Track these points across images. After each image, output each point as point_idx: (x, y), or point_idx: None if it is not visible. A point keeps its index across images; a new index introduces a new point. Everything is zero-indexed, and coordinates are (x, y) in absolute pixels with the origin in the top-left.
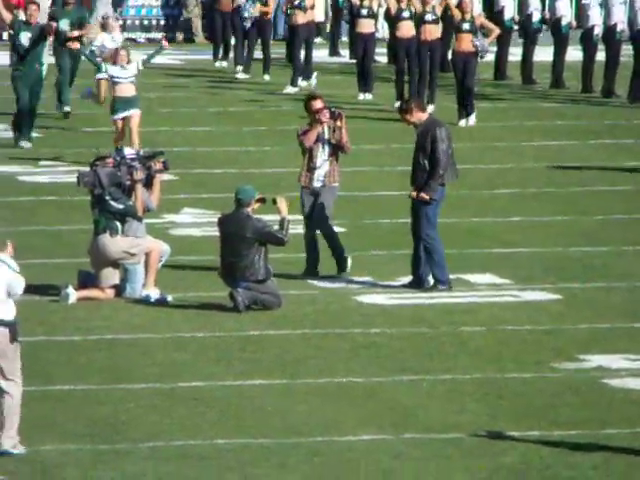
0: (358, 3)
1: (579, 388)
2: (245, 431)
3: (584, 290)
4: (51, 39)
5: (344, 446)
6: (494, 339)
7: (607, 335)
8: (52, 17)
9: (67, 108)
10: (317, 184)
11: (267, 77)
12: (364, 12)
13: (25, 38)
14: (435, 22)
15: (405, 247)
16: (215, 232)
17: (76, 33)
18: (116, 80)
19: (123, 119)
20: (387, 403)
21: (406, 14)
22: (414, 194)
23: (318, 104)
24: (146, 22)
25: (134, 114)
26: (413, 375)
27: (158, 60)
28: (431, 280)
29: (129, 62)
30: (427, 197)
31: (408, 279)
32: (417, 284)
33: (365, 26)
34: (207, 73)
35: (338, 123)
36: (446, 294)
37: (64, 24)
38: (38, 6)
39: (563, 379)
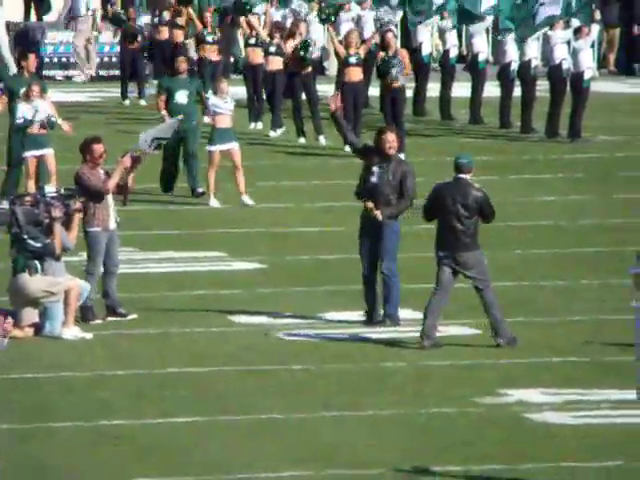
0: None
1: (500, 422)
2: (167, 469)
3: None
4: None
5: None
6: (416, 375)
7: (527, 370)
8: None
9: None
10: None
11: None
12: (272, 49)
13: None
14: (358, 65)
15: (326, 283)
16: (132, 269)
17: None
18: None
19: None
20: (309, 439)
21: (353, 60)
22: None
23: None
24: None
25: (233, 147)
26: (336, 411)
27: None
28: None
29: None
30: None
31: (330, 315)
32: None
33: (275, 63)
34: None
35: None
36: (368, 330)
37: (181, 96)
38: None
39: (484, 414)
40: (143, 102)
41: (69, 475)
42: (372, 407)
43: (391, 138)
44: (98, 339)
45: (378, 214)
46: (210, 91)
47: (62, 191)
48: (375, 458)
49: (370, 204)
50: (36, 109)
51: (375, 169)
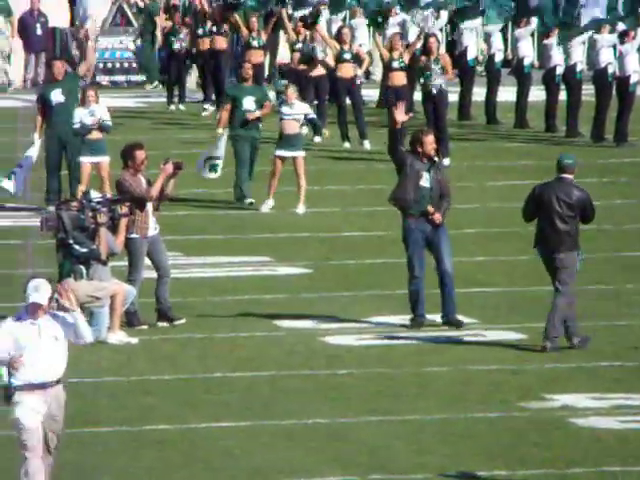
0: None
1: (545, 427)
2: (212, 474)
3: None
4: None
5: None
6: (459, 379)
7: (572, 374)
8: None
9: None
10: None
11: None
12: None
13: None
14: (402, 69)
15: (372, 288)
16: (177, 274)
17: (258, 113)
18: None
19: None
20: (353, 444)
21: (347, 56)
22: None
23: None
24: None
25: (298, 155)
26: (379, 416)
27: None
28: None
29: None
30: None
31: (374, 319)
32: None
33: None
34: (167, 115)
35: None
36: (412, 334)
37: (248, 103)
38: None
39: (529, 418)
40: (182, 107)
41: (114, 477)
42: (416, 412)
43: (431, 139)
44: (143, 344)
45: (439, 217)
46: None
47: (108, 196)
48: (419, 463)
49: (431, 208)
50: (92, 114)
51: (424, 173)
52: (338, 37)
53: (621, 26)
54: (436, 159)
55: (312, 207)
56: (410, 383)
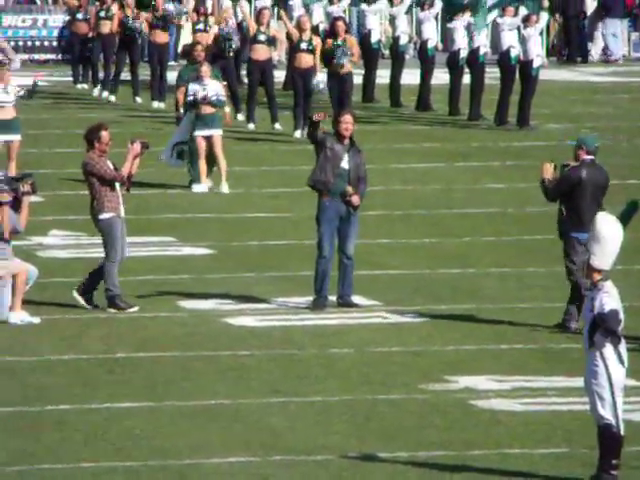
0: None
1: (446, 409)
2: (112, 454)
3: (452, 312)
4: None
5: (212, 469)
6: (362, 361)
7: (474, 356)
8: None
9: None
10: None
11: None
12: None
13: None
14: (309, 51)
15: (275, 269)
16: (81, 254)
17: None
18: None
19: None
20: (255, 425)
21: (262, 37)
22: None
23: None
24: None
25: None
26: (282, 397)
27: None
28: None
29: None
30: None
31: (278, 300)
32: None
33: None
34: (70, 95)
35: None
36: (315, 315)
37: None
38: None
39: (431, 400)
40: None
41: (12, 458)
42: (319, 393)
43: (348, 119)
44: (46, 324)
45: (357, 199)
46: None
47: (7, 173)
48: (322, 444)
49: (350, 189)
50: (205, 88)
51: (344, 154)
52: (257, 18)
53: (523, 10)
54: (355, 141)
55: (216, 188)
56: (313, 365)
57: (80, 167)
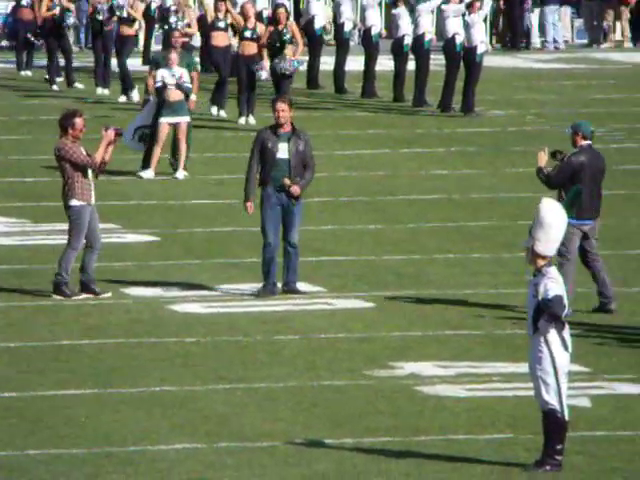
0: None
1: (392, 395)
2: (58, 441)
3: (396, 298)
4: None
5: (157, 455)
6: (308, 347)
7: (419, 342)
8: None
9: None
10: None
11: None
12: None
13: None
14: (254, 39)
15: (221, 256)
16: (25, 241)
17: (193, 97)
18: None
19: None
20: (201, 412)
21: (221, 24)
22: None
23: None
24: None
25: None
26: (227, 384)
27: None
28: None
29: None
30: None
31: (223, 287)
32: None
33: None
34: (15, 82)
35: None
36: (261, 302)
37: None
38: None
39: (376, 386)
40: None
41: None
42: (265, 380)
43: (282, 107)
44: None
45: (296, 189)
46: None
47: None
48: (267, 430)
49: (287, 181)
50: (173, 74)
51: (280, 145)
52: (215, 5)
53: None
54: (297, 128)
55: (160, 175)
56: (259, 351)
57: (52, 152)
